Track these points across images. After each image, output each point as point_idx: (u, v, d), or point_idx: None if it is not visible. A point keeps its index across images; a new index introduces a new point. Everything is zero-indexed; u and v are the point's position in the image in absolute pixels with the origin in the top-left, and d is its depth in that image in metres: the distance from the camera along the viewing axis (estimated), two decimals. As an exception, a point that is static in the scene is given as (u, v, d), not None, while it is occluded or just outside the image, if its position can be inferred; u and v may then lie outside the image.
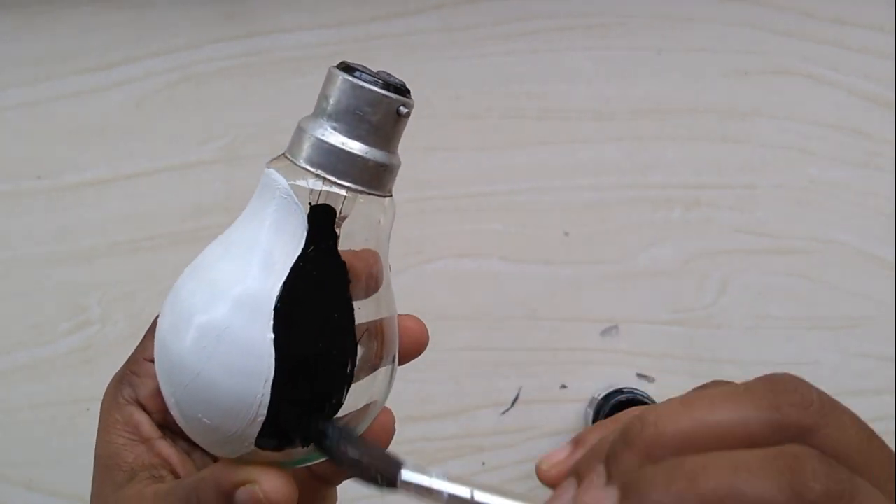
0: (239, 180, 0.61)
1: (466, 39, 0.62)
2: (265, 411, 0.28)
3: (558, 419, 0.61)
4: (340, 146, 0.29)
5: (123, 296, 0.60)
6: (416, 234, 0.61)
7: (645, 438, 0.24)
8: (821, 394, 0.25)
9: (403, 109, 0.30)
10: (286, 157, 0.30)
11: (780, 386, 0.24)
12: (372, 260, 0.33)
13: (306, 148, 0.29)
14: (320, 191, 0.29)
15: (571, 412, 0.61)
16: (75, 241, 0.61)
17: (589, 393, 0.61)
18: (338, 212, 0.30)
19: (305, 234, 0.29)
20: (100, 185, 0.61)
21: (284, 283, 0.28)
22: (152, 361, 0.32)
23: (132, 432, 0.34)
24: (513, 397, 0.61)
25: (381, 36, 0.61)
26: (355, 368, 0.30)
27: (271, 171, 0.30)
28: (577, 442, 0.29)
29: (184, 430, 0.30)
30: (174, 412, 0.30)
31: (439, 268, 0.61)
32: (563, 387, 0.61)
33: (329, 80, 0.30)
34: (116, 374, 0.35)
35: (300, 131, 0.30)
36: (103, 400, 0.35)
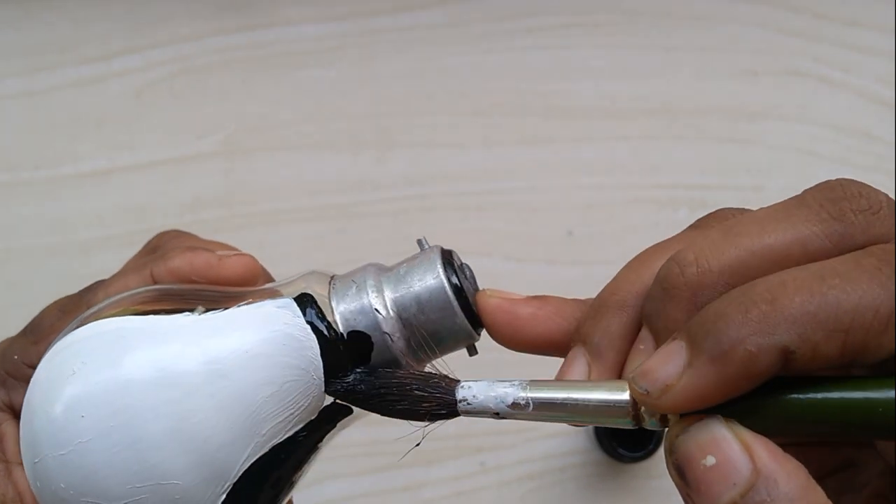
0: (238, 174, 0.60)
1: (471, 35, 0.61)
2: None
3: (559, 421, 0.61)
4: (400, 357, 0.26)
5: (120, 289, 0.60)
6: (418, 231, 0.61)
7: (689, 281, 0.20)
8: (888, 199, 0.20)
9: (477, 350, 0.27)
10: (332, 308, 0.25)
11: (838, 192, 0.20)
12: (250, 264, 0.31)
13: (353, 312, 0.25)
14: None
15: (572, 414, 0.61)
16: (73, 233, 0.60)
17: (590, 395, 0.60)
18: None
19: (302, 423, 0.25)
20: (98, 176, 0.60)
21: (258, 460, 0.25)
22: (33, 368, 0.27)
23: None
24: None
25: (385, 30, 0.61)
26: None
27: (307, 328, 0.25)
28: (541, 298, 0.25)
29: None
30: (37, 490, 0.25)
31: (440, 266, 0.61)
32: (564, 388, 0.61)
33: (427, 270, 0.26)
34: None
35: (364, 299, 0.25)
36: None
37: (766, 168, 0.62)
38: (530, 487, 0.61)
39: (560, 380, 0.23)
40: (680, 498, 0.22)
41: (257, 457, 0.25)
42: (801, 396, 0.19)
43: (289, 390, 0.24)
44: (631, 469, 0.60)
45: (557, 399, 0.23)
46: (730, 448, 0.19)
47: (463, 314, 0.25)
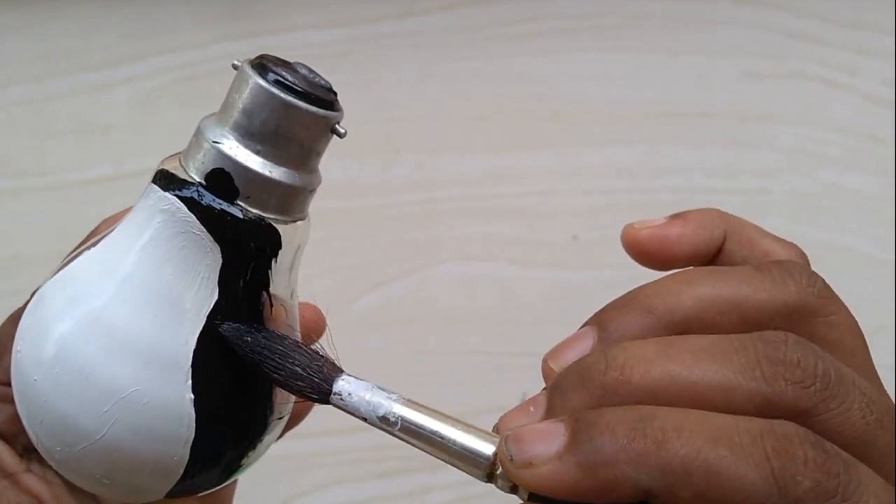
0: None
1: (476, 40, 0.61)
2: (182, 470, 0.25)
3: (565, 425, 0.60)
4: (268, 175, 0.24)
5: (127, 295, 0.60)
6: (423, 236, 0.61)
7: (606, 383, 0.21)
8: (826, 364, 0.20)
9: (341, 130, 0.25)
10: (189, 176, 0.25)
11: (780, 354, 0.20)
12: (314, 316, 0.30)
13: (204, 160, 0.25)
14: (230, 219, 0.24)
15: (578, 419, 0.61)
16: (78, 240, 0.60)
17: (596, 399, 0.60)
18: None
19: (218, 277, 0.25)
20: (104, 183, 0.60)
21: (200, 335, 0.25)
22: (3, 384, 0.28)
23: None
24: (516, 402, 0.61)
25: (390, 35, 0.61)
26: (272, 412, 0.27)
27: (172, 198, 0.25)
28: (682, 216, 0.27)
29: (70, 480, 0.27)
30: (56, 467, 0.27)
31: (446, 270, 0.61)
32: (571, 393, 0.61)
33: (244, 86, 0.25)
34: None
35: (212, 147, 0.25)
36: None
37: (772, 171, 0.61)
38: (537, 492, 0.61)
39: (437, 411, 0.24)
40: None
41: (199, 330, 0.25)
42: None
43: (185, 257, 0.25)
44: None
45: (425, 428, 0.23)
46: None
47: (293, 97, 0.24)
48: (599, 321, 0.24)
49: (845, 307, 0.22)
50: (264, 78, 0.24)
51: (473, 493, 0.60)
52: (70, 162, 0.60)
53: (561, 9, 0.61)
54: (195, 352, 0.25)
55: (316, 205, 0.27)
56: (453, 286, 0.61)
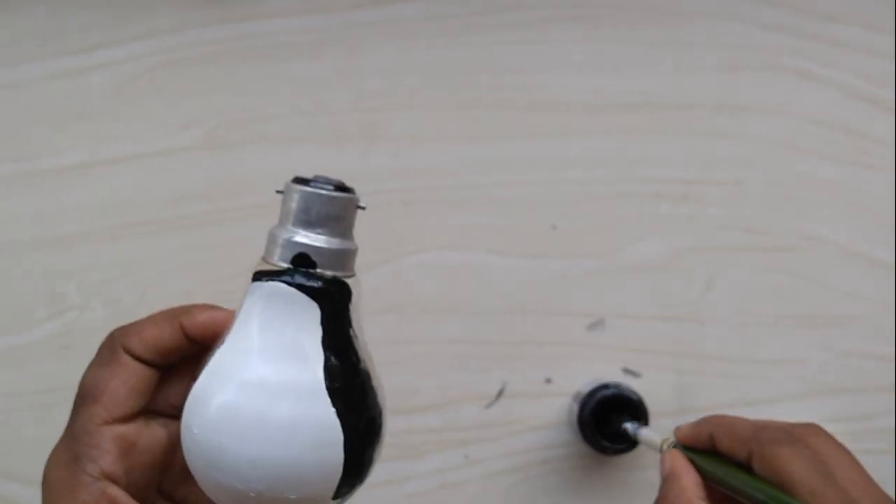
0: (221, 167, 0.60)
1: (454, 29, 0.61)
2: (341, 469, 0.34)
3: (543, 413, 0.61)
4: (331, 246, 0.35)
5: (102, 282, 0.60)
6: (401, 225, 0.61)
7: (714, 420, 0.41)
8: None
9: (363, 204, 0.37)
10: (268, 262, 0.35)
11: None
12: None
13: (285, 252, 0.35)
14: (321, 285, 0.34)
15: (556, 406, 0.61)
16: (53, 227, 0.60)
17: (574, 387, 0.61)
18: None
19: (320, 322, 0.34)
20: (79, 169, 0.60)
21: (324, 366, 0.34)
22: (106, 424, 0.33)
23: None
24: (497, 391, 0.61)
25: (368, 23, 0.61)
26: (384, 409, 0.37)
27: (272, 283, 0.34)
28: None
29: None
30: (242, 499, 0.33)
31: (424, 260, 0.61)
32: (548, 381, 0.61)
33: (293, 196, 0.35)
34: (60, 453, 0.34)
35: (286, 242, 0.35)
36: (52, 483, 0.33)
37: (748, 162, 0.62)
38: (514, 480, 0.61)
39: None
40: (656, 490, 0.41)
41: (321, 364, 0.34)
42: (710, 458, 0.40)
43: (296, 317, 0.34)
44: (614, 461, 0.61)
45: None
46: (667, 459, 0.41)
47: (330, 191, 0.35)
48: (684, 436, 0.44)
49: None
50: (306, 185, 0.35)
51: (451, 482, 0.60)
52: (45, 148, 0.60)
53: (540, -2, 0.61)
54: (324, 378, 0.34)
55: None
56: (432, 275, 0.61)
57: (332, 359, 0.34)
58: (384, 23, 0.61)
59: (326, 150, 0.60)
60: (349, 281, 0.36)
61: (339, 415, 0.34)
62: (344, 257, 0.35)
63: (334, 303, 0.35)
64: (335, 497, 0.35)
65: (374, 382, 0.36)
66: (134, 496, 0.33)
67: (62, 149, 0.60)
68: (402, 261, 0.61)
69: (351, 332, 0.36)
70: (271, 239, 0.35)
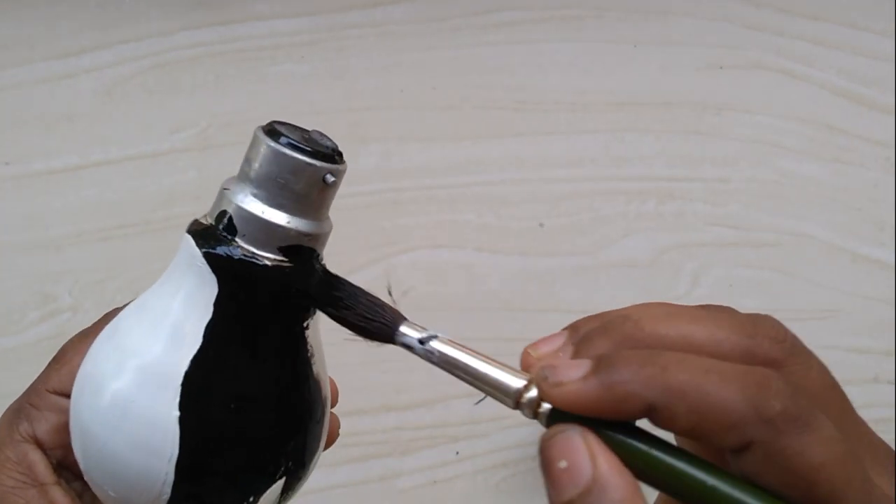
0: (211, 169, 0.60)
1: (442, 30, 0.61)
2: (169, 490, 0.26)
3: (531, 410, 0.61)
4: (260, 215, 0.26)
5: (94, 284, 0.60)
6: (390, 224, 0.61)
7: (623, 330, 0.25)
8: (795, 337, 0.27)
9: (330, 178, 0.27)
10: (206, 221, 0.28)
11: (759, 320, 0.26)
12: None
13: (215, 206, 0.28)
14: (240, 260, 0.27)
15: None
16: (45, 229, 0.60)
17: (562, 384, 0.61)
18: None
19: (214, 302, 0.27)
20: (69, 172, 0.60)
21: (195, 357, 0.26)
22: (55, 393, 0.31)
23: (25, 473, 0.31)
24: (486, 388, 0.61)
25: (356, 25, 0.61)
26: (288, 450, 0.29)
27: (188, 237, 0.27)
28: (572, 328, 0.29)
29: (97, 495, 0.29)
30: (86, 477, 0.29)
31: (413, 258, 0.61)
32: (537, 378, 0.61)
33: (253, 143, 0.27)
34: (13, 403, 0.33)
35: (222, 194, 0.28)
36: None
37: (732, 160, 0.63)
38: (505, 475, 0.61)
39: (476, 351, 0.29)
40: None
41: (194, 353, 0.27)
42: (640, 443, 0.23)
43: (192, 288, 0.27)
44: (602, 456, 0.61)
45: (464, 364, 0.28)
46: (579, 455, 0.23)
47: (282, 146, 0.26)
48: (578, 328, 0.28)
49: (817, 360, 0.27)
50: (264, 131, 0.27)
51: (442, 477, 0.61)
52: (35, 151, 0.60)
53: (526, 0, 0.62)
54: (187, 373, 0.26)
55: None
56: (420, 274, 0.61)
57: (212, 351, 0.27)
58: (372, 24, 0.61)
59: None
60: (278, 265, 0.27)
61: (183, 420, 0.26)
62: (276, 235, 0.27)
63: (242, 285, 0.27)
64: None
65: (286, 411, 0.28)
66: (54, 469, 0.31)
67: (53, 151, 0.60)
68: (391, 259, 0.61)
69: (275, 334, 0.28)
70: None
